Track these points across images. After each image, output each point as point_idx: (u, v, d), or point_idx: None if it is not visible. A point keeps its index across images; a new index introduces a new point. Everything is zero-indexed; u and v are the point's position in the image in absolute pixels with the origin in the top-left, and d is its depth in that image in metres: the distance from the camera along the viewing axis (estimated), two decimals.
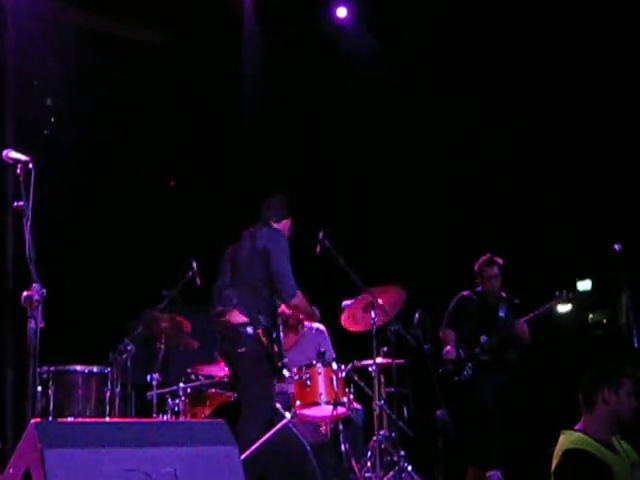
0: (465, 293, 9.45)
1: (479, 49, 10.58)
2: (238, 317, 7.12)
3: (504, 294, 9.35)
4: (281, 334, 7.30)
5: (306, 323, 8.79)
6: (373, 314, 8.08)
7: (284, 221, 7.57)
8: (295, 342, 8.75)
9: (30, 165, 5.64)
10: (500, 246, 9.65)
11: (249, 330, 7.04)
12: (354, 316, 8.36)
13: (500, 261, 9.25)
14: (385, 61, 11.07)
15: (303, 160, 11.18)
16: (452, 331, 9.28)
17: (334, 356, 8.74)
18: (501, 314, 9.23)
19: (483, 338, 9.12)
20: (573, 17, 10.08)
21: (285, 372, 7.66)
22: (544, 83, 10.38)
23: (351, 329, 8.48)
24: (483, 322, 9.20)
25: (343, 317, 8.40)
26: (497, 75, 10.57)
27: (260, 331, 7.11)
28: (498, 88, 10.57)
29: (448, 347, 9.20)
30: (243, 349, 7.01)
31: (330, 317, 8.76)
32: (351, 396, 7.91)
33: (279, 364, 7.44)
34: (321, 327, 8.91)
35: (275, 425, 7.01)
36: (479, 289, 9.38)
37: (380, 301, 8.07)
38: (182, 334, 8.33)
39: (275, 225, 7.48)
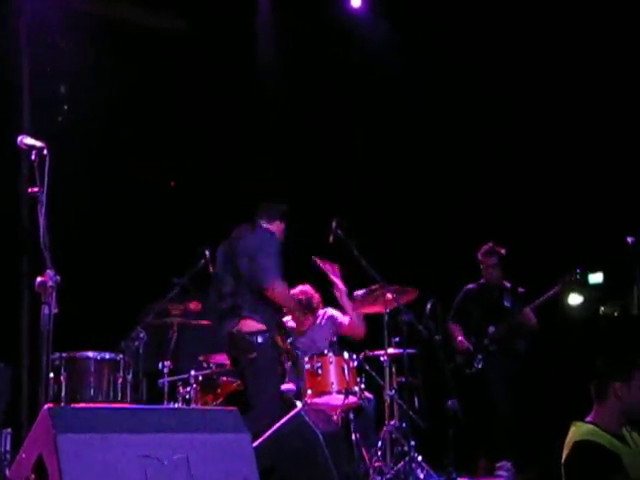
0: (469, 286, 9.51)
1: (495, 38, 10.55)
2: (250, 326, 7.15)
3: (508, 284, 9.37)
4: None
5: (320, 310, 8.85)
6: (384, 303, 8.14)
7: (276, 223, 7.62)
8: (311, 324, 8.78)
9: (45, 151, 5.65)
10: (512, 238, 9.66)
11: (260, 339, 7.09)
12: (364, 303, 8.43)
13: (501, 250, 9.27)
14: (399, 50, 11.06)
15: (316, 150, 11.18)
16: (458, 325, 9.32)
17: (347, 316, 8.77)
18: (507, 304, 9.28)
19: (491, 329, 9.16)
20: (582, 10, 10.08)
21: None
22: (562, 74, 10.36)
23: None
24: (490, 313, 9.25)
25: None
26: (513, 64, 10.55)
27: (279, 338, 7.17)
28: (515, 77, 10.54)
29: (459, 337, 9.23)
30: (254, 355, 7.07)
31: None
32: (362, 386, 7.93)
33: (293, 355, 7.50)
34: (328, 312, 8.91)
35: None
36: (483, 281, 9.42)
37: (389, 296, 8.11)
38: (193, 318, 8.34)
39: (265, 225, 7.54)
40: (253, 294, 7.23)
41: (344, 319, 8.75)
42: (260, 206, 7.72)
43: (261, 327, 7.15)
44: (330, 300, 8.91)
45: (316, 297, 8.87)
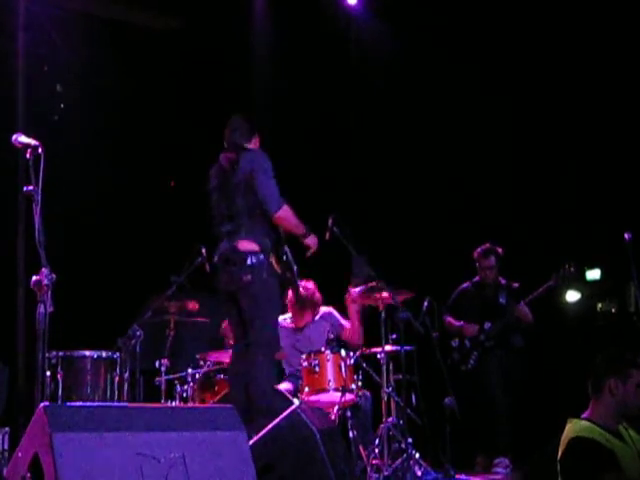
0: (464, 285, 9.51)
1: (495, 37, 10.53)
2: (247, 245, 6.91)
3: (503, 280, 9.36)
4: (290, 257, 7.14)
5: (319, 308, 8.82)
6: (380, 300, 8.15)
7: (253, 140, 7.29)
8: (310, 322, 8.75)
9: (40, 150, 5.65)
10: (509, 234, 9.67)
11: (255, 259, 6.84)
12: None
13: (499, 250, 9.27)
14: (397, 49, 11.06)
15: (312, 146, 11.17)
16: (452, 317, 9.32)
17: (349, 324, 8.73)
18: (502, 300, 9.27)
19: (487, 325, 9.17)
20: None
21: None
22: (560, 73, 10.36)
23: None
24: (485, 311, 9.25)
25: (348, 300, 8.46)
26: (508, 62, 10.54)
27: (274, 260, 6.96)
28: (514, 74, 10.53)
29: (463, 323, 9.21)
30: (249, 277, 6.81)
31: (339, 303, 8.80)
32: (359, 383, 7.94)
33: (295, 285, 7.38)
34: (327, 309, 8.90)
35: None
36: (477, 279, 9.42)
37: (385, 294, 8.11)
38: (190, 317, 8.34)
39: (246, 145, 7.22)
40: (251, 219, 6.98)
41: (346, 323, 8.76)
42: (230, 124, 7.34)
43: (257, 248, 6.89)
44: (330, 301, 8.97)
45: (317, 295, 8.83)
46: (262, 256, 6.89)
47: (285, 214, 7.00)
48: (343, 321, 8.78)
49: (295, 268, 7.19)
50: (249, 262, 6.84)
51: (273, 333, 7.03)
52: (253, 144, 7.28)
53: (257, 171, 6.96)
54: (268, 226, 7.00)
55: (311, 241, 7.29)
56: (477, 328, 9.18)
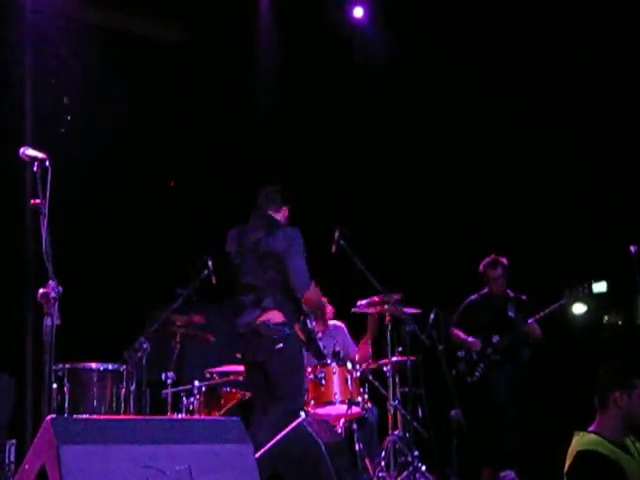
0: (472, 297, 9.48)
1: (495, 46, 10.55)
2: (277, 317, 7.01)
3: (511, 293, 9.35)
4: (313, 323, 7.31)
5: (331, 321, 8.85)
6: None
7: (282, 210, 7.43)
8: (322, 332, 8.78)
9: (47, 163, 5.66)
10: (516, 247, 9.65)
11: (287, 330, 6.97)
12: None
13: (504, 261, 9.26)
14: (401, 60, 11.07)
15: (318, 158, 11.18)
16: (460, 330, 9.30)
17: (355, 347, 8.77)
18: (510, 314, 9.25)
19: (495, 338, 9.14)
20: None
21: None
22: (562, 83, 10.37)
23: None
24: (494, 323, 9.23)
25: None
26: (514, 72, 10.55)
27: (298, 328, 7.09)
28: (518, 84, 10.54)
29: (470, 338, 9.20)
30: (281, 345, 6.90)
31: (345, 316, 8.79)
32: (366, 396, 7.93)
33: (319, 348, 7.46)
34: (339, 324, 8.93)
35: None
36: (486, 291, 9.40)
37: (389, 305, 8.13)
38: (197, 331, 8.34)
39: (273, 214, 7.36)
40: (282, 292, 7.11)
41: (354, 345, 8.80)
42: (261, 192, 7.50)
43: (285, 320, 7.02)
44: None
45: (329, 307, 8.86)
46: (290, 327, 7.04)
47: (312, 294, 7.23)
48: (352, 343, 8.81)
49: (317, 335, 7.50)
50: (280, 333, 6.97)
51: (299, 392, 7.07)
52: (282, 214, 7.44)
53: (292, 252, 7.11)
54: (294, 299, 7.14)
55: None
56: (480, 344, 9.16)
